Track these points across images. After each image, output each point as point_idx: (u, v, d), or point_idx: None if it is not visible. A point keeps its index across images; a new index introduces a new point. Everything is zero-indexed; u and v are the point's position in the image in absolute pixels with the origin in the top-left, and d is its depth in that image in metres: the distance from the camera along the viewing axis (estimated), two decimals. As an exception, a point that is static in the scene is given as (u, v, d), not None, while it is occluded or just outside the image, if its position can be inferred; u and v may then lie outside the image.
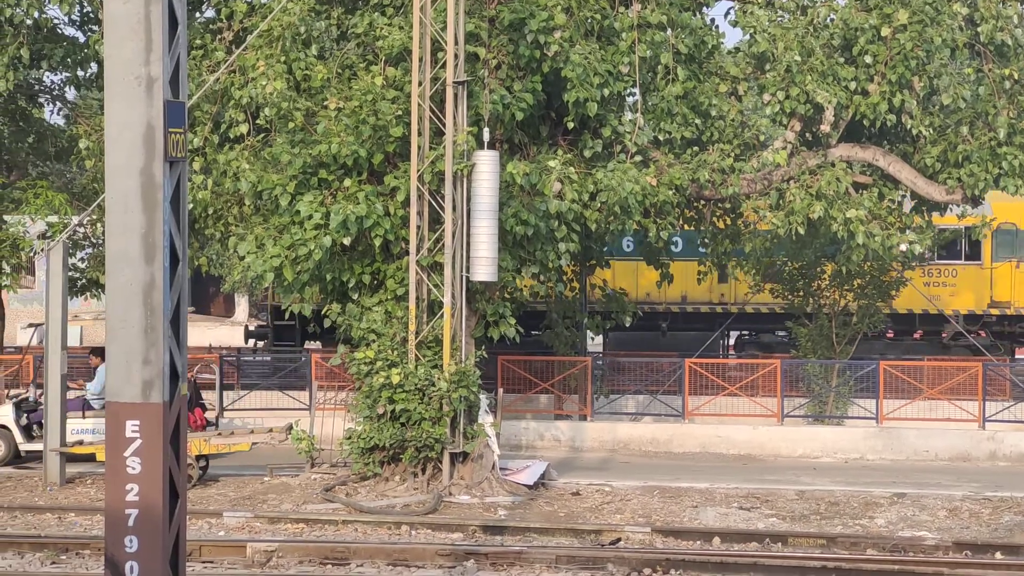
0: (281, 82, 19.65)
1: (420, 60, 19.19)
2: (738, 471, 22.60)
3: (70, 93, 30.67)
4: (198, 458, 20.53)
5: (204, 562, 15.22)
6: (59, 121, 31.61)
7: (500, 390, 22.60)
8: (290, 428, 21.07)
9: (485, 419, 19.95)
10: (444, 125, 19.17)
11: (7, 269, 27.12)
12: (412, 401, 19.14)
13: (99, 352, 24.06)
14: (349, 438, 19.85)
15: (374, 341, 19.70)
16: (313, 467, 21.02)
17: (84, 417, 22.27)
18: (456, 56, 19.07)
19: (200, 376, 26.30)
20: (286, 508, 18.76)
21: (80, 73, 28.23)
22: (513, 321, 20.32)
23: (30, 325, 27.54)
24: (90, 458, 21.06)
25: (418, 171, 19.25)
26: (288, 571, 14.91)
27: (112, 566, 7.60)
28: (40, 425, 22.55)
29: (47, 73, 29.78)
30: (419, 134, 19.28)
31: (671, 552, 15.62)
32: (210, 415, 24.62)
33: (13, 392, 24.10)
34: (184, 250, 7.91)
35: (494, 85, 19.76)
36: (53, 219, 26.38)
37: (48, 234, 26.26)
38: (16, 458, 22.45)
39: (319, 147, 19.20)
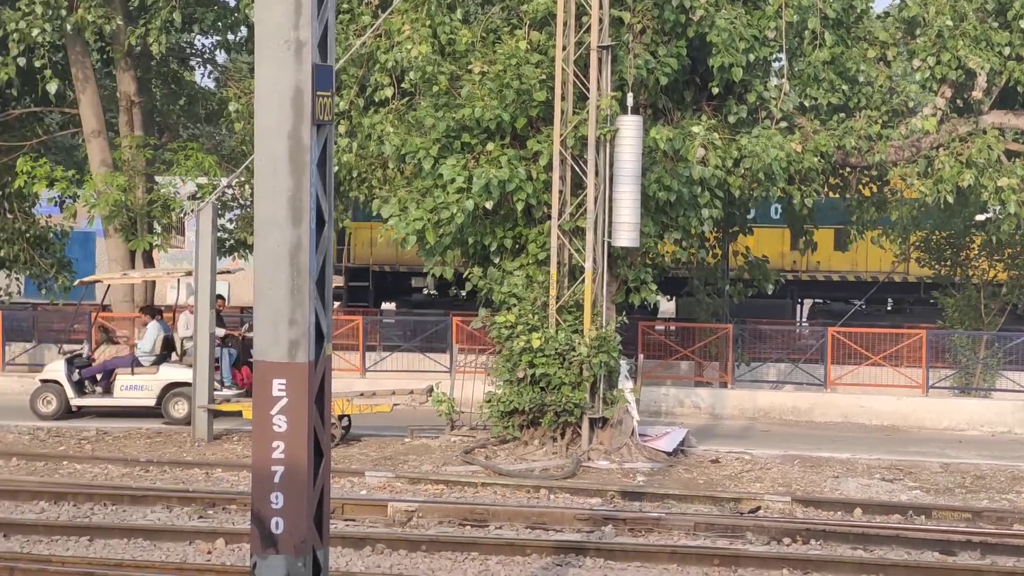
0: (426, 46, 19.73)
1: (565, 24, 19.10)
2: (881, 442, 22.21)
3: (220, 56, 31.29)
4: (340, 417, 20.86)
5: (346, 520, 15.47)
6: (209, 84, 32.29)
7: (640, 356, 22.52)
8: (431, 390, 21.27)
9: (625, 385, 19.89)
10: (588, 90, 19.07)
11: (159, 229, 27.80)
12: (552, 365, 19.16)
13: (148, 310, 24.65)
14: (489, 401, 19.95)
15: (515, 305, 19.75)
16: (453, 429, 21.20)
17: (133, 374, 22.89)
18: (601, 20, 18.94)
19: None
20: (426, 469, 18.95)
21: (230, 37, 28.77)
22: (655, 287, 20.20)
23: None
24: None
25: (561, 136, 19.19)
26: (428, 531, 15.07)
27: (258, 521, 7.73)
28: (92, 380, 23.22)
29: (198, 37, 30.41)
30: (563, 99, 19.21)
31: (811, 522, 15.44)
32: (355, 375, 25.02)
33: (67, 348, 24.72)
34: (330, 212, 7.98)
35: (638, 50, 19.58)
36: (203, 180, 26.95)
37: (198, 195, 26.86)
38: (68, 413, 23.06)
39: (463, 111, 19.25)
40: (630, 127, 18.99)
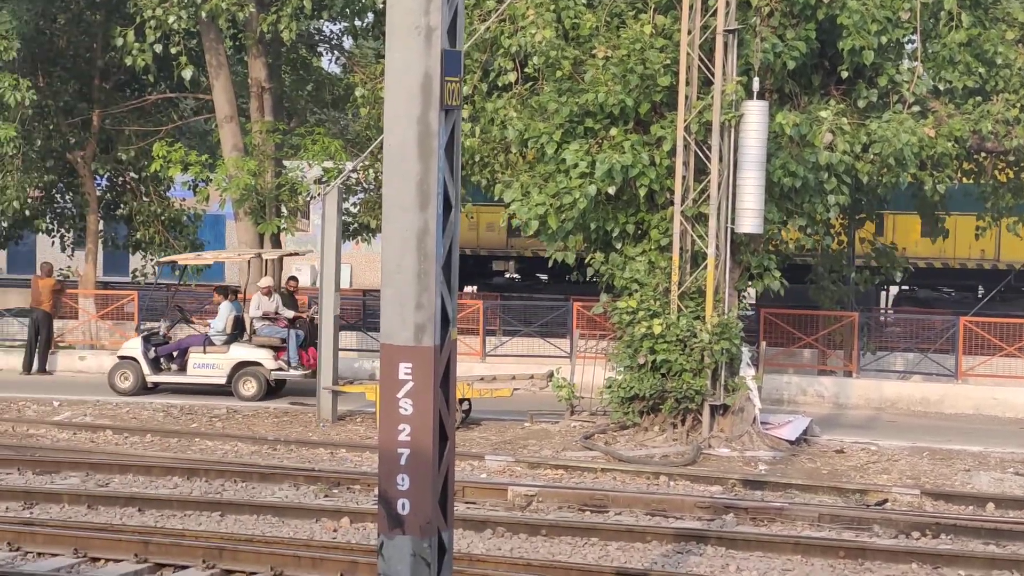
0: (550, 30, 19.74)
1: (690, 8, 18.97)
2: (1015, 435, 21.69)
3: (347, 42, 31.62)
4: (460, 401, 21.02)
5: (467, 503, 15.60)
6: (336, 70, 32.62)
7: (763, 343, 22.33)
8: (551, 376, 21.33)
9: (747, 372, 19.74)
10: (713, 74, 18.93)
11: (285, 212, 28.23)
12: (673, 352, 19.09)
13: (222, 291, 25.10)
14: (609, 387, 19.95)
15: (636, 291, 19.70)
16: (572, 415, 21.24)
17: (205, 352, 23.28)
18: (727, 3, 18.77)
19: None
20: (546, 454, 19.02)
21: (358, 23, 29.08)
22: (778, 274, 20.01)
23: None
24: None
25: (685, 121, 19.08)
26: (547, 516, 15.14)
27: (385, 502, 7.84)
28: (168, 358, 23.70)
29: (327, 23, 30.80)
30: (687, 84, 19.10)
31: (941, 516, 15.16)
32: (475, 359, 25.20)
33: (147, 325, 25.24)
34: (457, 197, 8.04)
35: (765, 33, 19.36)
36: (328, 165, 27.29)
37: (324, 179, 27.22)
38: (144, 389, 23.49)
39: (586, 96, 19.24)
40: (755, 112, 18.79)
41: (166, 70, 28.50)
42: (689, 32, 18.99)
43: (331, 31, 31.38)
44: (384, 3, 23.19)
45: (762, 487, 16.85)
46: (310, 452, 19.07)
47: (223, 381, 23.36)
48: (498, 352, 27.57)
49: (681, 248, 19.38)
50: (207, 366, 23.45)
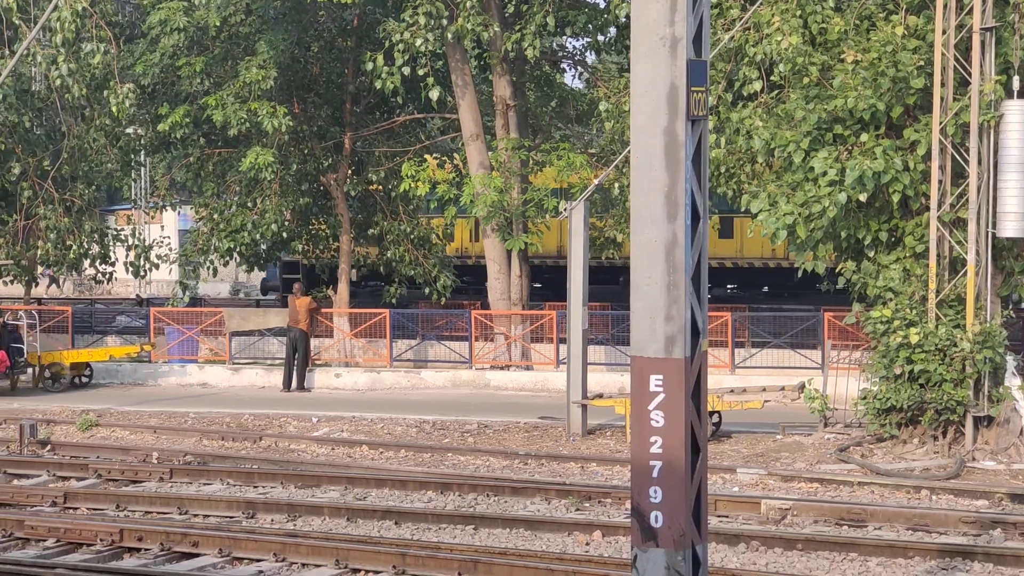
0: (796, 36, 19.42)
1: (944, 7, 18.37)
2: None
3: (590, 57, 31.84)
4: (710, 413, 20.82)
5: (719, 516, 15.42)
6: (579, 85, 32.87)
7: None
8: (802, 387, 20.93)
9: (1012, 382, 18.95)
10: (969, 74, 18.27)
11: (533, 229, 28.57)
12: (932, 362, 18.48)
13: None
14: (864, 398, 19.44)
15: (891, 300, 19.16)
16: (826, 427, 20.78)
17: None
18: (984, 1, 18.10)
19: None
20: (799, 467, 18.65)
21: (600, 38, 29.24)
22: (1044, 279, 19.17)
23: None
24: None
25: (940, 124, 18.47)
26: (803, 530, 14.83)
27: (638, 515, 7.81)
28: None
29: (569, 39, 31.08)
30: (942, 85, 18.48)
31: None
32: (724, 371, 24.89)
33: None
34: (704, 208, 7.96)
35: (1024, 29, 18.61)
36: (574, 180, 27.48)
37: (570, 193, 27.42)
38: None
39: (835, 102, 18.83)
40: (1016, 112, 18.07)
41: (414, 92, 29.23)
42: (944, 32, 18.38)
43: (574, 47, 31.74)
44: (628, 17, 23.26)
45: (1030, 502, 16.14)
46: (561, 466, 19.18)
47: None
48: (747, 364, 27.23)
49: (938, 255, 18.76)
50: None
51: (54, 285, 45.17)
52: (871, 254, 19.60)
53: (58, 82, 26.59)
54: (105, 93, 27.31)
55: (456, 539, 14.46)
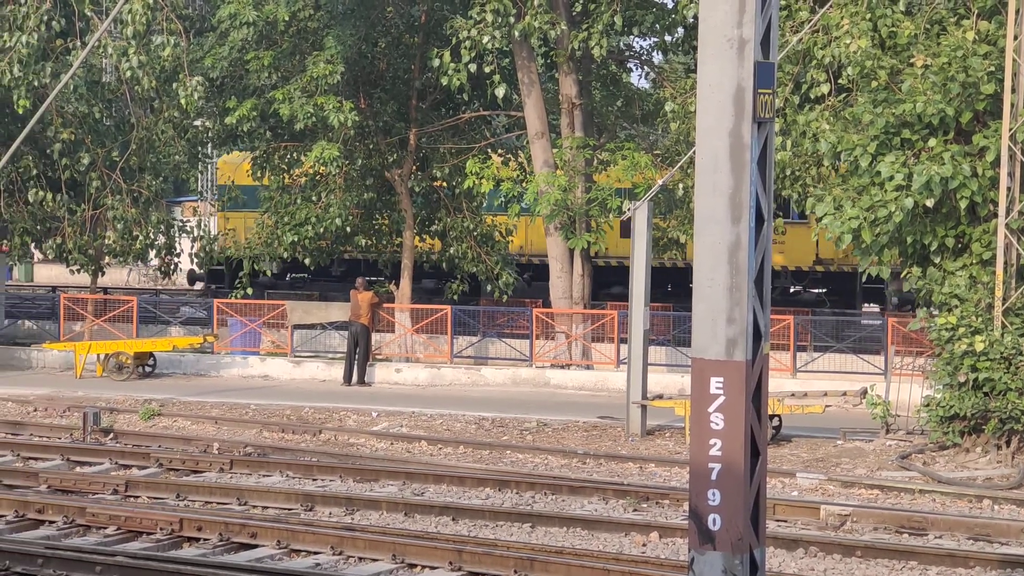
0: (866, 40, 19.28)
1: (1017, 12, 18.16)
2: None
3: (657, 57, 31.75)
4: (771, 417, 20.69)
5: (777, 520, 15.34)
6: (645, 85, 32.78)
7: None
8: (864, 392, 20.76)
9: (1079, 393, 18.69)
10: (1040, 80, 18.06)
11: (594, 227, 28.50)
12: (997, 370, 18.27)
13: None
14: (927, 406, 19.26)
15: (956, 307, 18.96)
16: (887, 433, 20.60)
17: None
18: (1055, 6, 17.88)
19: None
20: (859, 473, 18.51)
21: (667, 38, 29.15)
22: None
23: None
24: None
25: (1010, 130, 18.26)
26: (862, 536, 14.71)
27: (696, 517, 7.80)
28: None
29: (636, 39, 31.01)
30: (1013, 91, 18.28)
31: None
32: (785, 375, 24.72)
33: None
34: (769, 210, 7.93)
35: (1098, 35, 18.36)
36: (638, 179, 27.40)
37: (635, 192, 27.35)
38: None
39: (903, 106, 18.67)
40: (1088, 119, 17.83)
41: (479, 89, 29.27)
42: (1015, 37, 18.17)
43: (641, 47, 31.63)
44: (695, 17, 23.19)
45: (1096, 515, 15.91)
46: (619, 466, 19.15)
47: None
48: (809, 368, 27.04)
49: (1006, 262, 18.55)
50: None
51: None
52: (937, 260, 19.41)
53: (128, 74, 26.87)
54: (174, 86, 27.57)
55: (513, 537, 14.47)
